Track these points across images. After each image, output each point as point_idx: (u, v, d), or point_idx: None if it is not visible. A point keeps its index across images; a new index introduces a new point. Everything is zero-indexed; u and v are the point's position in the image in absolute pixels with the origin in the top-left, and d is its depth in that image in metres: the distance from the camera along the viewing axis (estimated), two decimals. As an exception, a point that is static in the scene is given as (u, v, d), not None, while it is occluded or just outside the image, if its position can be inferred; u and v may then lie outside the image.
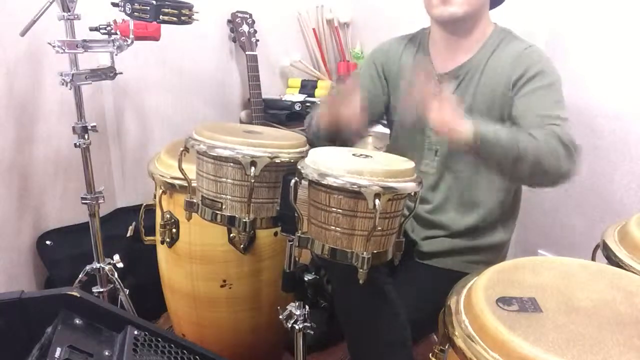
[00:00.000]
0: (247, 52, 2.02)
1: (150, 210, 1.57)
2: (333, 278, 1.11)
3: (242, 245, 1.43)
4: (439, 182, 1.29)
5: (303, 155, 1.02)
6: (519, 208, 1.36)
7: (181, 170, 1.10)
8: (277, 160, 1.02)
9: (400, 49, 1.35)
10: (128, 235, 1.74)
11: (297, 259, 1.07)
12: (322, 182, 0.89)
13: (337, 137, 1.20)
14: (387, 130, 1.49)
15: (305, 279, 1.10)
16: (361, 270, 0.91)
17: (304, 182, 0.95)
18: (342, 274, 1.07)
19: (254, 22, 2.07)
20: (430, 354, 0.89)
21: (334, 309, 1.22)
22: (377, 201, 0.86)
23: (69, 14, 1.35)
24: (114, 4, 1.38)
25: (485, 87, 1.20)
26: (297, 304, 1.12)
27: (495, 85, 1.19)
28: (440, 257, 1.27)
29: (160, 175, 1.44)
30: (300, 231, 0.98)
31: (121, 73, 1.48)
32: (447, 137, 1.07)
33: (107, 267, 1.55)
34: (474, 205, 1.27)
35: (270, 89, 2.19)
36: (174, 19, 1.38)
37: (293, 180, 0.95)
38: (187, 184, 1.12)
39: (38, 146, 1.70)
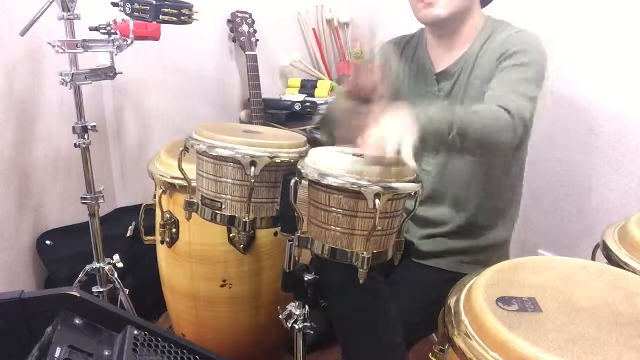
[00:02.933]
0: (247, 52, 2.02)
1: (150, 210, 1.57)
2: (329, 280, 1.11)
3: (242, 245, 1.43)
4: (432, 178, 1.28)
5: (303, 155, 1.02)
6: (518, 208, 1.36)
7: (181, 170, 1.10)
8: (277, 160, 1.02)
9: (400, 49, 1.35)
10: (128, 235, 1.74)
11: (297, 259, 1.08)
12: (323, 182, 0.89)
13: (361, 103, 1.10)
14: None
15: (305, 279, 1.10)
16: (361, 270, 0.91)
17: (304, 182, 0.95)
18: (338, 276, 1.06)
19: (254, 22, 2.07)
20: (430, 354, 0.89)
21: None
22: (377, 201, 0.86)
23: (69, 14, 1.35)
24: (114, 4, 1.38)
25: (477, 79, 1.20)
26: (297, 304, 1.12)
27: (486, 74, 1.18)
28: (437, 257, 1.27)
29: (160, 175, 1.44)
30: (300, 231, 0.98)
31: (121, 73, 1.48)
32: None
33: (107, 267, 1.55)
34: (466, 201, 1.26)
35: (270, 89, 2.19)
36: (174, 19, 1.38)
37: (293, 180, 0.95)
38: (187, 184, 1.12)
39: (38, 146, 1.70)
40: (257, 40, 2.06)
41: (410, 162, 0.85)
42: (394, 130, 0.88)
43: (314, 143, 1.14)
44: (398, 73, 1.34)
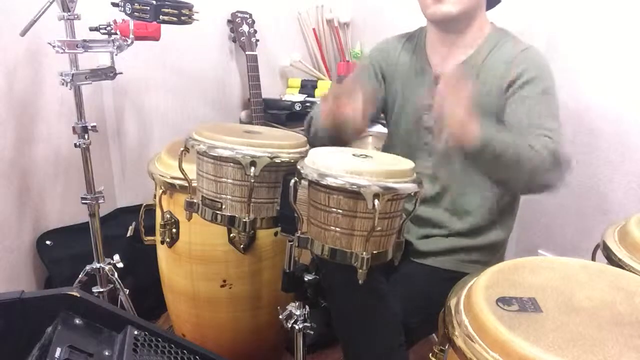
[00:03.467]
0: (247, 52, 2.02)
1: (150, 210, 1.57)
2: (330, 280, 1.11)
3: (242, 245, 1.43)
4: (432, 180, 1.28)
5: (303, 155, 1.02)
6: (517, 208, 1.36)
7: (181, 170, 1.10)
8: (277, 161, 1.02)
9: (399, 48, 1.35)
10: (128, 235, 1.74)
11: (297, 259, 1.08)
12: (322, 182, 0.89)
13: (338, 136, 1.16)
14: (387, 130, 1.50)
15: (305, 279, 1.10)
16: (361, 270, 0.91)
17: (304, 182, 0.95)
18: (339, 276, 1.06)
19: (254, 22, 2.07)
20: (430, 354, 0.89)
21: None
22: (376, 201, 0.86)
23: (69, 14, 1.35)
24: (114, 4, 1.38)
25: (480, 88, 1.20)
26: (297, 304, 1.12)
27: (490, 86, 1.18)
28: (436, 256, 1.27)
29: (160, 175, 1.44)
30: (300, 231, 0.98)
31: (121, 73, 1.48)
32: (448, 139, 1.02)
33: (107, 267, 1.55)
34: (466, 204, 1.26)
35: (270, 89, 2.19)
36: (174, 19, 1.38)
37: (293, 181, 0.95)
38: (187, 184, 1.12)
39: (38, 146, 1.70)
40: (257, 40, 2.06)
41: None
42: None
43: (313, 143, 1.14)
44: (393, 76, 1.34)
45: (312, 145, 1.08)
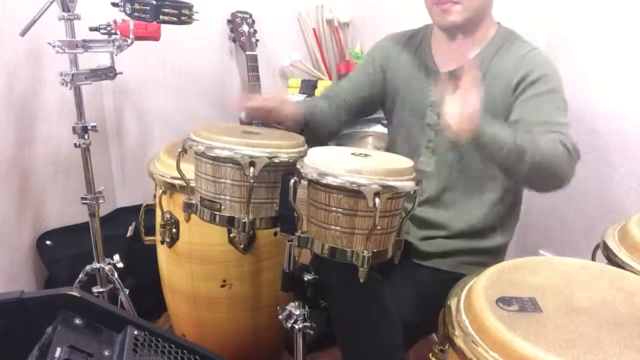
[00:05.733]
0: (247, 52, 2.02)
1: (150, 210, 1.57)
2: (328, 279, 1.11)
3: (242, 245, 1.43)
4: (434, 179, 1.28)
5: (302, 155, 1.02)
6: (519, 212, 1.35)
7: (179, 171, 1.10)
8: (276, 160, 1.02)
9: (401, 45, 1.35)
10: (128, 235, 1.74)
11: (297, 259, 1.07)
12: (322, 181, 0.89)
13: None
14: (387, 130, 1.50)
15: (305, 279, 1.10)
16: (361, 269, 0.91)
17: (303, 182, 0.95)
18: (338, 275, 1.06)
19: (254, 22, 2.07)
20: (430, 354, 0.89)
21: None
22: (377, 200, 0.86)
23: (69, 14, 1.35)
24: (114, 4, 1.38)
25: (486, 88, 1.20)
26: (296, 304, 1.12)
27: (496, 87, 1.19)
28: (438, 258, 1.27)
29: (160, 175, 1.44)
30: (299, 231, 0.98)
31: (121, 73, 1.48)
32: (451, 135, 1.02)
33: (107, 267, 1.55)
34: (468, 204, 1.26)
35: (270, 89, 2.19)
36: (174, 19, 1.38)
37: (292, 180, 0.95)
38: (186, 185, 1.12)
39: (38, 146, 1.70)
40: (257, 40, 2.06)
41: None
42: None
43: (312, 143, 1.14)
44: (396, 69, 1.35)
45: (312, 146, 1.08)
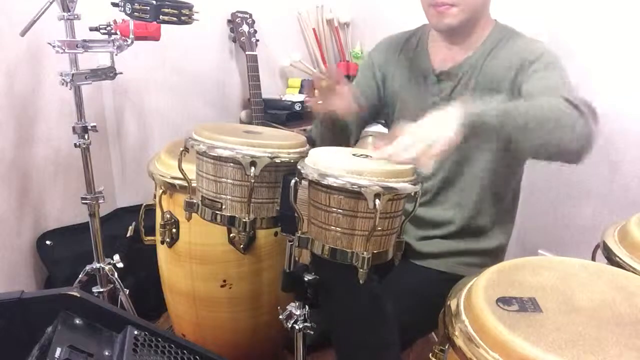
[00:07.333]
0: (247, 52, 2.02)
1: (150, 210, 1.57)
2: (326, 280, 1.10)
3: (242, 245, 1.43)
4: (431, 177, 1.28)
5: (303, 155, 1.02)
6: (515, 212, 1.35)
7: (181, 170, 1.10)
8: (277, 161, 1.01)
9: (399, 47, 1.35)
10: (128, 235, 1.74)
11: (297, 259, 1.07)
12: (322, 182, 0.89)
13: (333, 135, 1.23)
14: (387, 131, 1.49)
15: (305, 279, 1.10)
16: (361, 270, 0.91)
17: (304, 182, 0.95)
18: (336, 276, 1.06)
19: (254, 22, 2.07)
20: (430, 354, 0.89)
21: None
22: (377, 201, 0.86)
23: (69, 14, 1.35)
24: (114, 4, 1.38)
25: (484, 85, 1.20)
26: (297, 304, 1.12)
27: (495, 83, 1.18)
28: (435, 258, 1.27)
29: (160, 175, 1.44)
30: (300, 231, 0.98)
31: (121, 73, 1.48)
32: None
33: (107, 267, 1.55)
34: (465, 203, 1.26)
35: (270, 89, 2.19)
36: (174, 19, 1.38)
37: (293, 180, 0.95)
38: (187, 184, 1.12)
39: (38, 146, 1.70)
40: (257, 40, 2.06)
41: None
42: (425, 133, 0.90)
43: (314, 143, 1.14)
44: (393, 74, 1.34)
45: (313, 146, 1.08)
